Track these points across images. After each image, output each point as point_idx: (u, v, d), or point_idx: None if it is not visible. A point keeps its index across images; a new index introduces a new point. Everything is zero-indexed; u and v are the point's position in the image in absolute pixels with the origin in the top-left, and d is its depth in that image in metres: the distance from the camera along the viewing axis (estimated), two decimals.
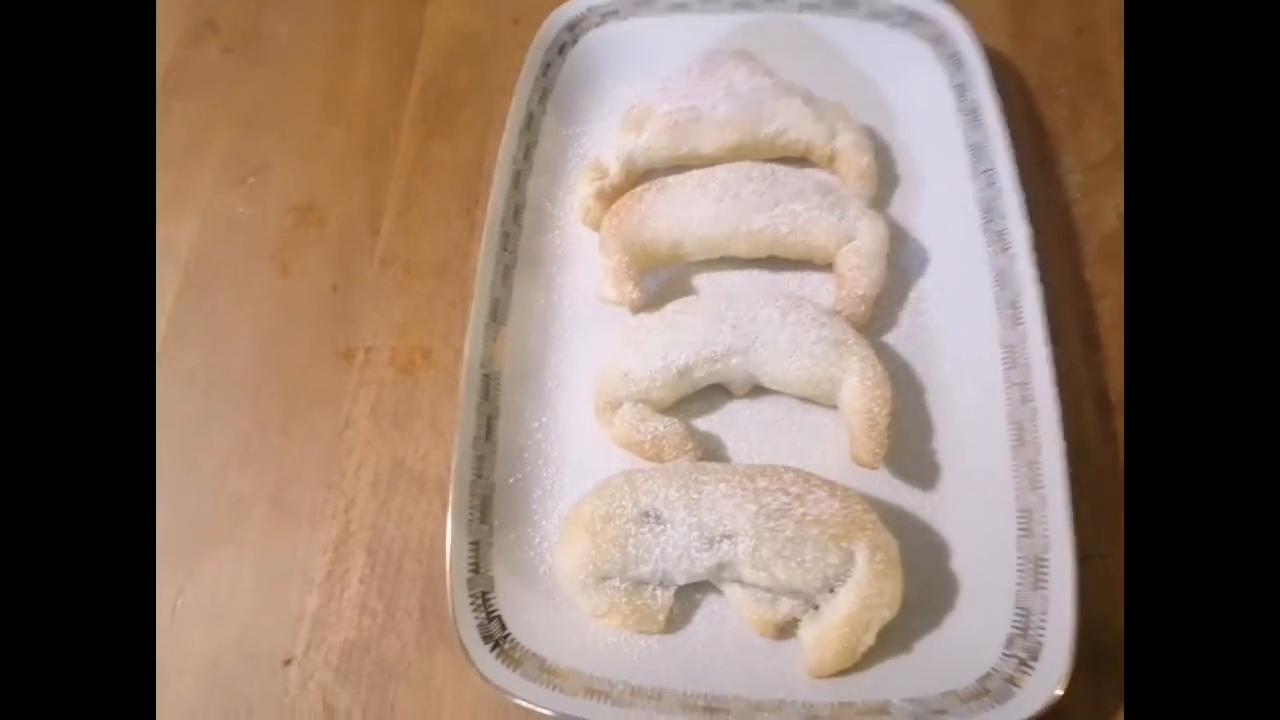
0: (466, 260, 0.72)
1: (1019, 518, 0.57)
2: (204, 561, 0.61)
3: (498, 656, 0.53)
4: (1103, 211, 0.72)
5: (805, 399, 0.62)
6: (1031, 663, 0.51)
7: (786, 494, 0.54)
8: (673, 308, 0.63)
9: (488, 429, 0.61)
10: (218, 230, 0.76)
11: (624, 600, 0.55)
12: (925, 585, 0.56)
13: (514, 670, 0.52)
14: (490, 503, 0.59)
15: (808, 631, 0.54)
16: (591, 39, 0.78)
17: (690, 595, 0.57)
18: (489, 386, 0.63)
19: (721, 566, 0.54)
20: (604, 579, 0.55)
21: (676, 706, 0.51)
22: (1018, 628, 0.53)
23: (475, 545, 0.57)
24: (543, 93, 0.75)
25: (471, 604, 0.54)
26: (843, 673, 0.53)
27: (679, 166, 0.71)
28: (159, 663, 0.58)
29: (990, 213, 0.66)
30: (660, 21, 0.79)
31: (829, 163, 0.71)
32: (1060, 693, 0.50)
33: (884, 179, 0.71)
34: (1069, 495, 0.54)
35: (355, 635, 0.58)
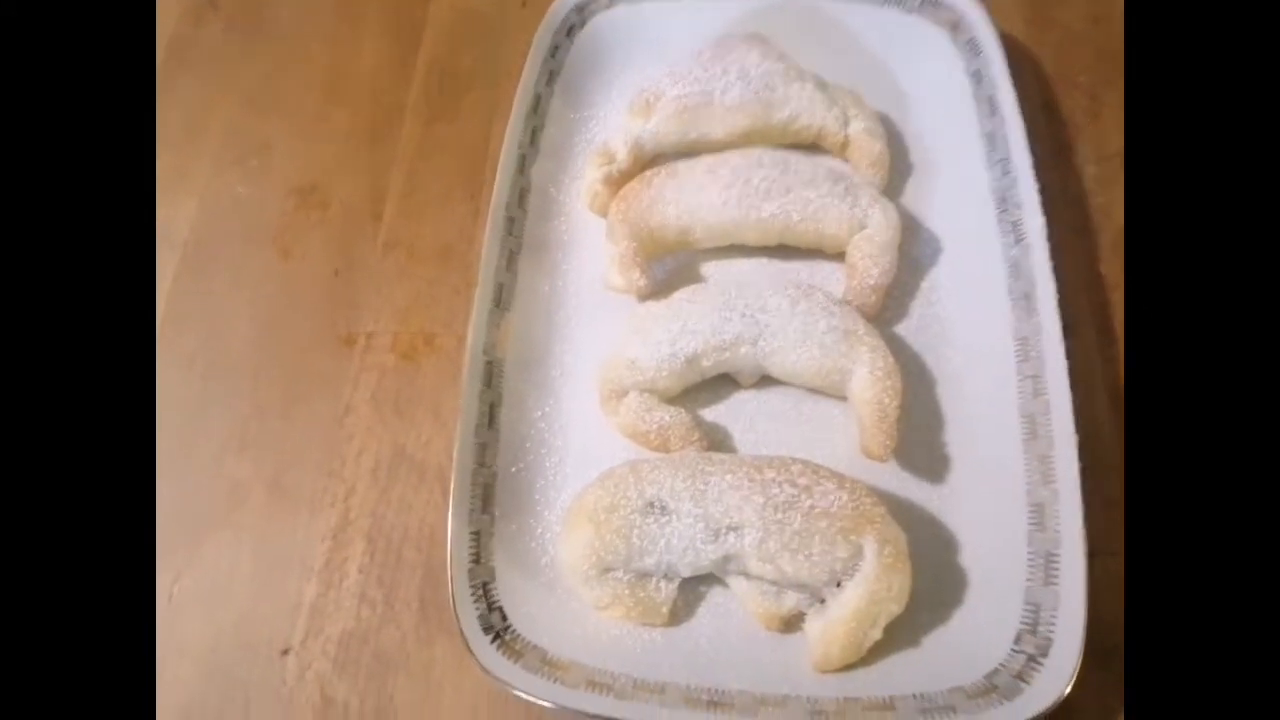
0: (471, 245, 0.71)
1: (1030, 512, 0.56)
2: (202, 547, 0.61)
3: (498, 648, 0.52)
4: (1118, 204, 0.71)
5: (814, 390, 0.61)
6: (1041, 659, 0.51)
7: (794, 486, 0.53)
8: (680, 295, 0.62)
9: (490, 417, 0.61)
10: (217, 212, 0.75)
11: (627, 592, 0.54)
12: (934, 580, 0.55)
13: (515, 662, 0.51)
14: (492, 492, 0.58)
15: (814, 625, 0.53)
16: (601, 21, 0.77)
17: (694, 588, 0.56)
18: (492, 374, 0.62)
19: (727, 559, 0.53)
20: (607, 570, 0.54)
21: (679, 700, 0.51)
22: (1027, 624, 0.52)
23: (476, 535, 0.56)
24: (550, 75, 0.74)
25: (472, 594, 0.53)
26: (849, 668, 0.53)
27: (688, 152, 0.70)
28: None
29: (1005, 202, 0.65)
30: (671, 4, 0.78)
31: (841, 150, 0.70)
32: (1070, 690, 0.49)
33: (897, 167, 0.70)
34: (1081, 490, 0.54)
35: (354, 625, 0.58)
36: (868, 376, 0.58)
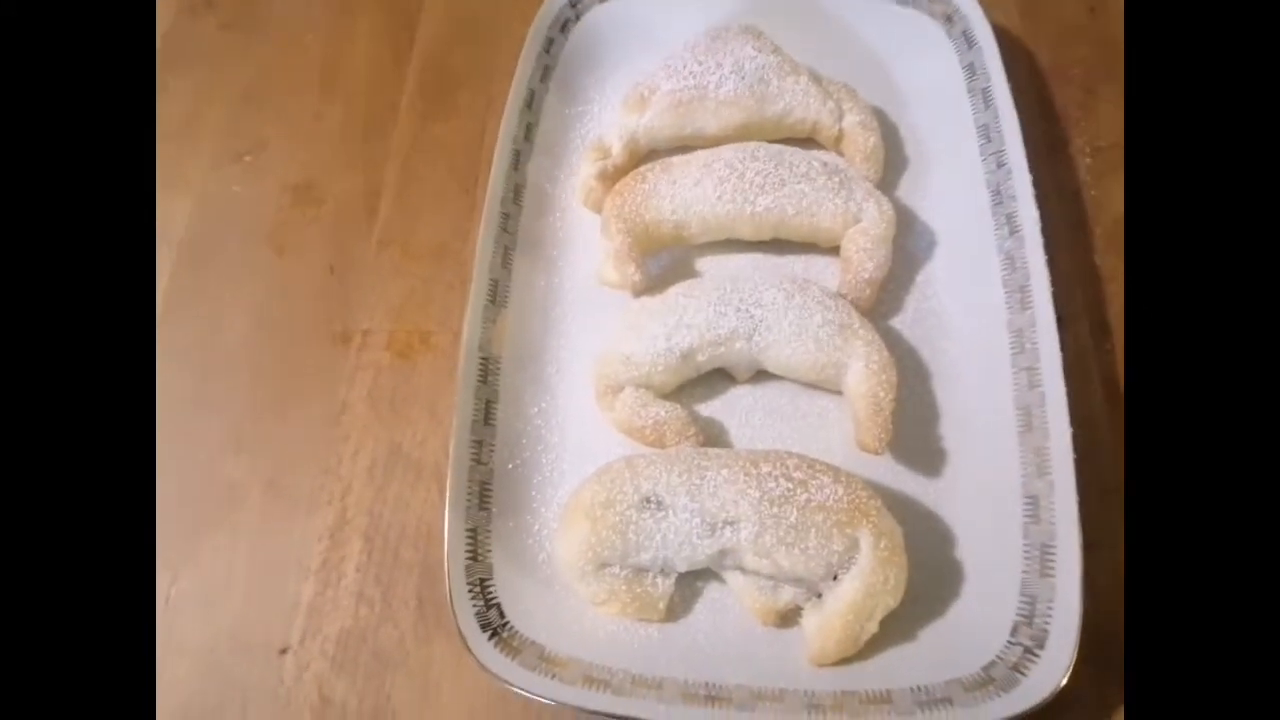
0: (466, 242, 0.70)
1: (1025, 504, 0.56)
2: (198, 548, 0.60)
3: (496, 645, 0.52)
4: (1113, 195, 0.71)
5: (809, 384, 0.61)
6: (1038, 651, 0.51)
7: (790, 480, 0.53)
8: (675, 290, 0.62)
9: (486, 414, 0.60)
10: (213, 209, 0.74)
11: (624, 588, 0.54)
12: (930, 572, 0.55)
13: (512, 659, 0.51)
14: (489, 489, 0.58)
15: (810, 619, 0.53)
16: (595, 15, 0.77)
17: (691, 583, 0.56)
18: (488, 371, 0.62)
19: (723, 553, 0.53)
20: (604, 566, 0.54)
21: (677, 696, 0.51)
22: (1023, 615, 0.53)
23: (473, 532, 0.56)
24: (544, 71, 0.74)
25: (469, 592, 0.54)
26: (845, 661, 0.53)
27: (683, 147, 0.70)
28: None
29: (999, 195, 0.65)
30: None
31: (836, 143, 0.70)
32: (1066, 682, 0.49)
33: (892, 160, 0.70)
34: (1077, 482, 0.54)
35: (352, 624, 0.58)
36: (863, 370, 0.58)
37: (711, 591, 0.56)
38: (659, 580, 0.55)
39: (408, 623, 0.58)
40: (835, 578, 0.53)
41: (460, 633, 0.51)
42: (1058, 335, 0.58)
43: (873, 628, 0.52)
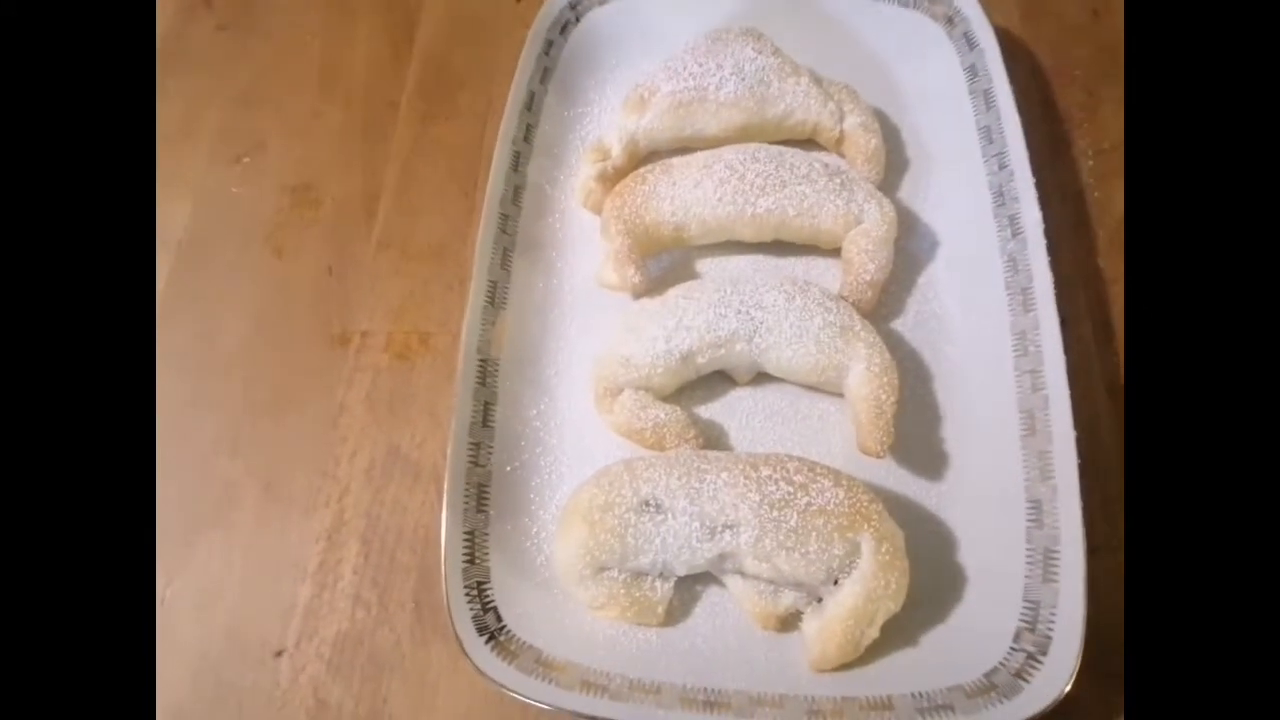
0: (465, 243, 0.70)
1: (1029, 509, 0.55)
2: (194, 549, 0.60)
3: (493, 649, 0.51)
4: (1116, 197, 0.70)
5: (810, 387, 0.61)
6: (1040, 657, 0.50)
7: (790, 483, 0.52)
8: (675, 292, 0.61)
9: (485, 416, 0.60)
10: (211, 211, 0.74)
11: (622, 592, 0.53)
12: (931, 577, 0.55)
13: (509, 663, 0.51)
14: (487, 491, 0.58)
15: (810, 624, 0.53)
16: (595, 17, 0.76)
17: (690, 587, 0.56)
18: (486, 372, 0.61)
19: (723, 557, 0.53)
20: (602, 570, 0.54)
21: (675, 701, 0.50)
22: (1026, 621, 0.52)
23: (471, 535, 0.56)
24: (544, 72, 0.74)
25: (467, 595, 0.53)
26: (846, 667, 0.52)
27: (683, 148, 0.70)
28: None
29: (1002, 197, 0.65)
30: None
31: (837, 145, 0.70)
32: (1069, 688, 0.48)
33: (893, 162, 0.70)
34: (1080, 486, 0.53)
35: (348, 627, 0.57)
36: (864, 373, 0.57)
37: (711, 596, 0.56)
38: (658, 584, 0.54)
39: (404, 626, 0.57)
40: (836, 582, 0.52)
41: (457, 637, 0.51)
42: (1061, 338, 0.57)
43: (873, 633, 0.51)
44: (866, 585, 0.51)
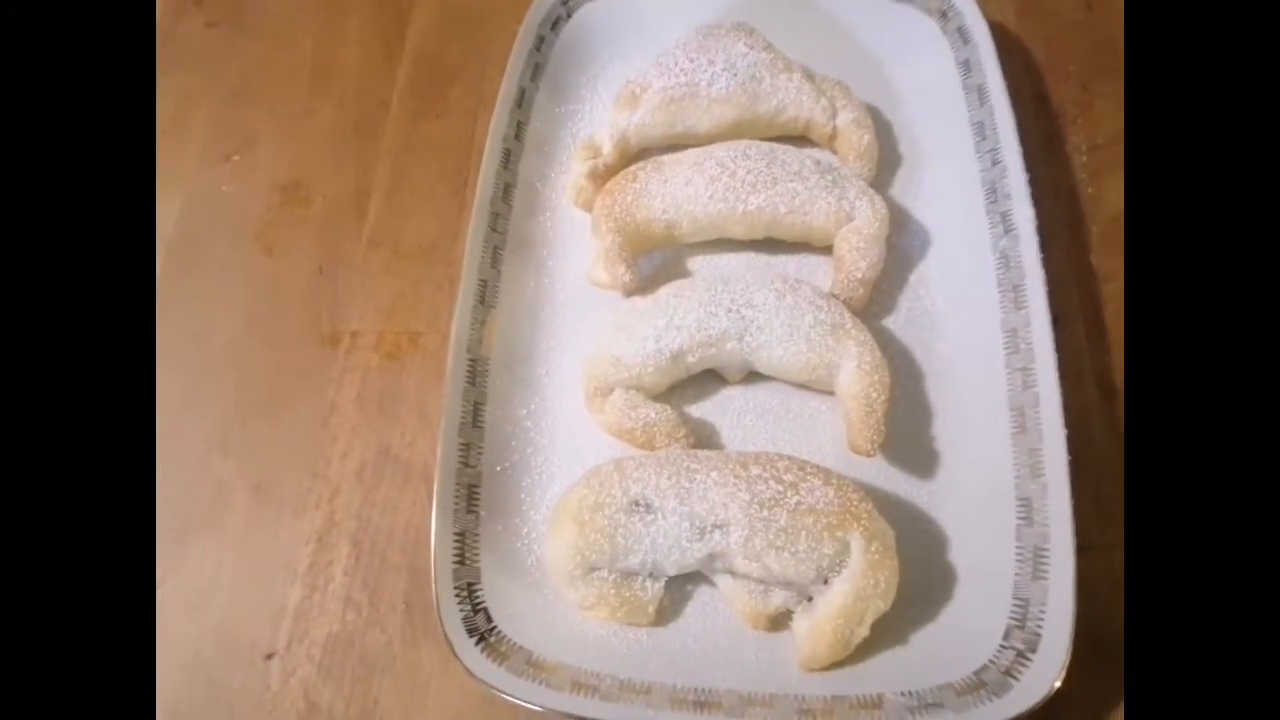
0: (456, 242, 0.70)
1: (1019, 506, 0.55)
2: (185, 551, 0.60)
3: (483, 650, 0.51)
4: (1109, 194, 0.70)
5: (801, 385, 0.61)
6: (1030, 655, 0.50)
7: (780, 482, 0.52)
8: (666, 291, 0.61)
9: (475, 415, 0.60)
10: (201, 209, 0.74)
11: (613, 592, 0.53)
12: (921, 576, 0.55)
13: (500, 664, 0.51)
14: (477, 492, 0.58)
15: (801, 623, 0.53)
16: (587, 12, 0.76)
17: (681, 587, 0.56)
18: (476, 372, 0.61)
19: (713, 557, 0.53)
20: (592, 570, 0.53)
21: (666, 701, 0.50)
22: (1016, 619, 0.52)
23: (461, 536, 0.55)
24: (535, 69, 0.73)
25: (457, 596, 0.53)
26: (836, 665, 0.52)
27: (675, 145, 0.69)
28: None
29: (994, 194, 0.65)
30: None
31: (829, 141, 0.69)
32: (1059, 686, 0.48)
33: (885, 158, 0.70)
34: (1071, 484, 0.53)
35: (339, 628, 0.57)
36: (855, 371, 0.57)
37: (702, 595, 0.56)
38: (648, 584, 0.54)
39: (395, 627, 0.57)
40: (826, 581, 0.52)
41: (446, 638, 0.51)
42: (1052, 335, 0.57)
43: (863, 632, 0.51)
44: (856, 584, 0.51)
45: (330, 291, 0.69)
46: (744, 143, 0.66)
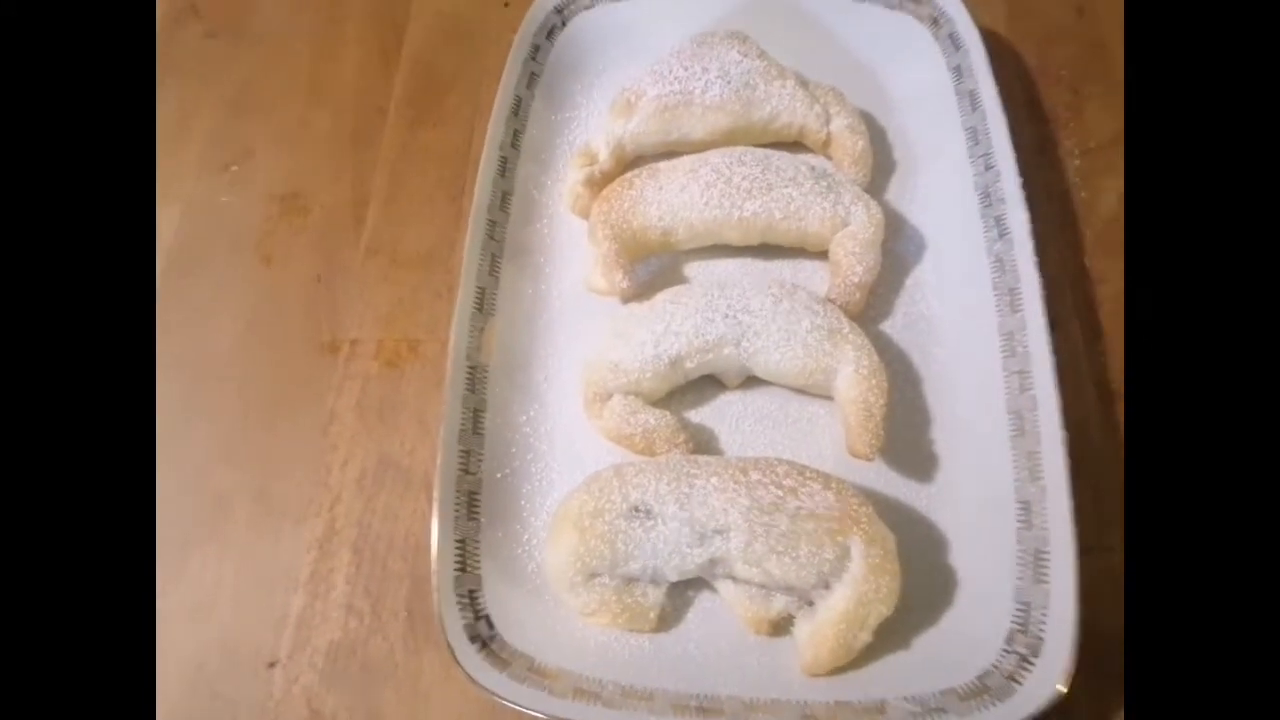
0: (453, 250, 0.70)
1: (1019, 510, 0.55)
2: (187, 561, 0.60)
3: (485, 657, 0.51)
4: (1104, 196, 0.70)
5: (799, 390, 0.61)
6: (1032, 659, 0.50)
7: (780, 487, 0.53)
8: (663, 297, 0.61)
9: (474, 423, 0.60)
10: (200, 219, 0.74)
11: (614, 598, 0.53)
12: (923, 580, 0.55)
13: (501, 671, 0.51)
14: (478, 499, 0.58)
15: (802, 629, 0.53)
16: (581, 21, 0.76)
17: (682, 592, 0.56)
18: (475, 379, 0.61)
19: (714, 562, 0.53)
20: (593, 576, 0.53)
21: (668, 707, 0.50)
22: (1018, 623, 0.52)
23: (462, 543, 0.56)
24: (531, 77, 0.74)
25: (458, 603, 0.53)
26: (838, 671, 0.52)
27: (670, 152, 0.70)
28: None
29: (988, 198, 0.65)
30: (651, 2, 0.77)
31: (823, 147, 0.70)
32: (1062, 689, 0.48)
33: (880, 164, 0.70)
34: (1070, 486, 0.53)
35: (341, 636, 0.57)
36: (853, 375, 0.58)
37: (703, 601, 0.56)
38: (649, 590, 0.54)
39: (397, 635, 0.57)
40: (827, 586, 0.52)
41: (448, 645, 0.51)
42: (1049, 338, 0.58)
43: (866, 637, 0.51)
44: (857, 589, 0.51)
45: (329, 300, 0.70)
46: (739, 149, 0.66)
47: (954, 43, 0.71)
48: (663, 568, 0.53)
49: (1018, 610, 0.52)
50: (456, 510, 0.56)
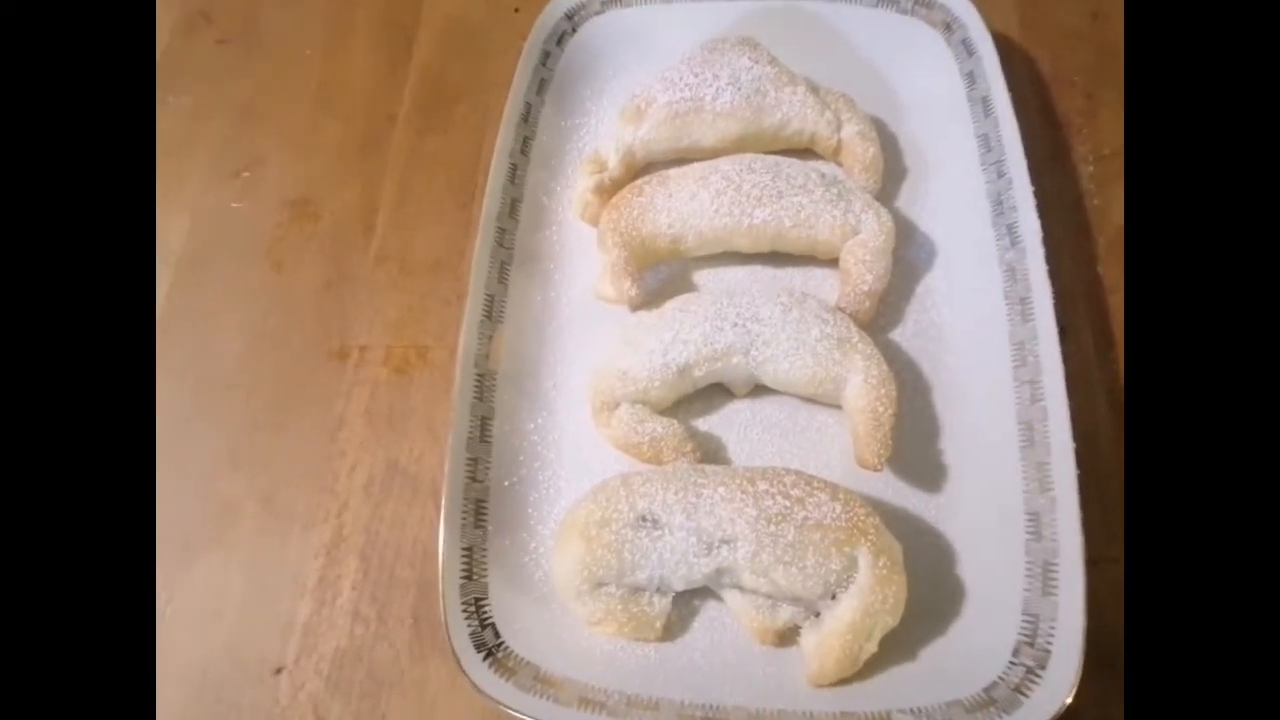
0: (462, 257, 0.70)
1: (1027, 521, 0.55)
2: (194, 566, 0.60)
3: (490, 665, 0.51)
4: (1117, 204, 0.70)
5: (808, 399, 0.61)
6: (1040, 671, 0.50)
7: (787, 497, 0.52)
8: (672, 305, 0.61)
9: (482, 430, 0.60)
10: (210, 225, 0.74)
11: (620, 607, 0.53)
12: (930, 591, 0.54)
13: (507, 680, 0.51)
14: (485, 506, 0.58)
15: (809, 639, 0.53)
16: (592, 28, 0.76)
17: (688, 602, 0.56)
18: (484, 386, 0.61)
19: (720, 572, 0.53)
20: (599, 585, 0.53)
21: (674, 717, 0.50)
22: (1025, 635, 0.52)
23: (469, 551, 0.56)
24: (541, 84, 0.74)
25: (464, 611, 0.53)
26: (844, 681, 0.52)
27: (680, 159, 0.69)
28: None
29: (1000, 205, 0.64)
30: (662, 9, 0.77)
31: (834, 154, 0.70)
32: (1069, 702, 0.48)
33: (891, 171, 0.70)
34: (1079, 498, 0.53)
35: (347, 643, 0.57)
36: (862, 385, 0.57)
37: (709, 611, 0.56)
38: (655, 599, 0.54)
39: (403, 642, 0.57)
40: (834, 597, 0.52)
41: (454, 653, 0.51)
42: (1060, 348, 0.57)
43: (872, 647, 0.51)
44: (864, 599, 0.51)
45: (338, 306, 0.70)
46: (749, 156, 0.66)
47: (966, 48, 0.71)
48: (669, 577, 0.53)
49: (1025, 622, 0.52)
50: (464, 518, 0.56)
